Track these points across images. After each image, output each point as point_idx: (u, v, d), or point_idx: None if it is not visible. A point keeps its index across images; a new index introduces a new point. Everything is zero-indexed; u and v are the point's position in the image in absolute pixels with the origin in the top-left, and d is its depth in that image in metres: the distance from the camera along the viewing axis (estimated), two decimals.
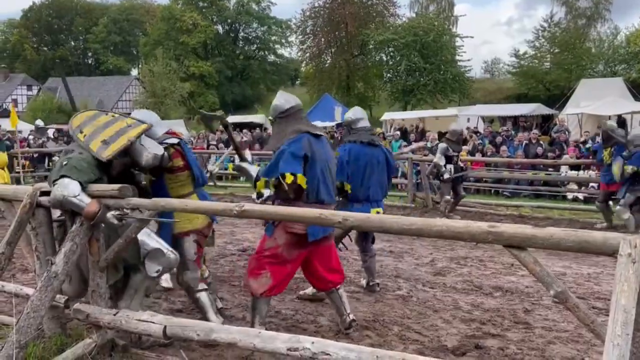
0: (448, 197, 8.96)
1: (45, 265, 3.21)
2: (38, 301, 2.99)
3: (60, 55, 57.72)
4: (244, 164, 3.91)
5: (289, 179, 3.40)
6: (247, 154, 4.09)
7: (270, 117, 3.97)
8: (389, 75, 36.94)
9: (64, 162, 3.16)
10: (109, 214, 3.07)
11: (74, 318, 3.36)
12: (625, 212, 7.41)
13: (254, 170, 3.82)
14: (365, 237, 4.99)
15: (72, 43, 60.73)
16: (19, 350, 2.87)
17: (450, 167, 8.84)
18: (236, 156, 4.12)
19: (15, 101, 47.97)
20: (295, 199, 3.56)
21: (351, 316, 3.96)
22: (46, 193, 3.24)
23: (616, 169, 7.44)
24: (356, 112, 5.08)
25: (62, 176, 3.08)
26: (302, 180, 3.45)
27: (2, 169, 9.23)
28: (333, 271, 3.90)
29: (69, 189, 3.04)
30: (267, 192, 3.71)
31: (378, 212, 4.61)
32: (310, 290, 4.68)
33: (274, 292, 3.70)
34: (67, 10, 57.56)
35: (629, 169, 7.21)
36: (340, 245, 4.85)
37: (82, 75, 53.99)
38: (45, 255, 3.28)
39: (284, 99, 3.87)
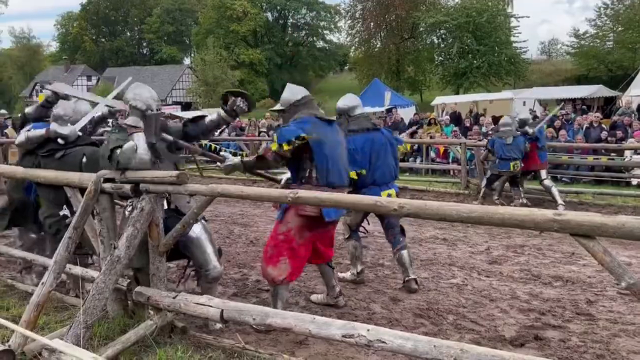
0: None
1: (108, 249, 3.34)
2: (102, 283, 3.11)
3: (117, 46, 59.74)
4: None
5: (276, 146, 3.58)
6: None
7: (281, 107, 3.99)
8: (440, 58, 36.14)
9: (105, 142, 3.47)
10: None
11: (136, 300, 3.48)
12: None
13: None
14: (388, 226, 4.82)
15: (128, 34, 62.70)
16: (85, 330, 3.00)
17: None
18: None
19: None
20: (306, 181, 3.69)
21: (339, 287, 4.24)
22: (110, 180, 3.36)
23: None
24: (351, 100, 4.92)
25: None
26: (286, 149, 3.57)
27: None
28: (329, 248, 4.12)
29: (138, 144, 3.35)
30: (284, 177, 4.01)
31: (389, 195, 4.59)
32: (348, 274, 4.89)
33: (293, 278, 3.78)
34: (123, 1, 59.37)
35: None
36: (362, 229, 4.99)
37: (137, 65, 55.69)
38: (109, 240, 3.41)
39: (293, 90, 3.95)
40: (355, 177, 4.55)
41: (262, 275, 3.95)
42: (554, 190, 8.61)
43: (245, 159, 3.82)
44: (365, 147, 4.60)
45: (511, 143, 8.43)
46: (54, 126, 4.10)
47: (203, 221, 3.79)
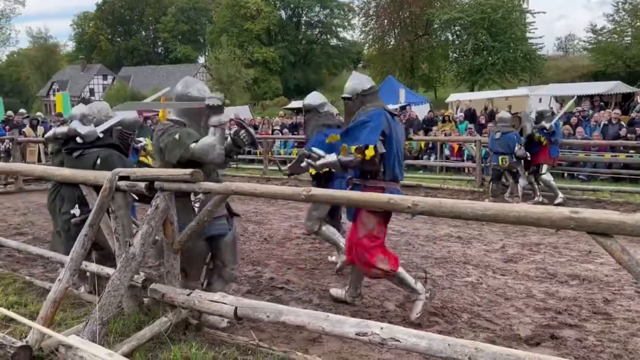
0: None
1: (124, 246, 3.37)
2: (118, 281, 3.14)
3: (132, 45, 60.28)
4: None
5: (371, 151, 3.55)
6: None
7: (347, 95, 3.95)
8: (455, 55, 35.91)
9: (176, 136, 3.45)
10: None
11: (150, 297, 3.51)
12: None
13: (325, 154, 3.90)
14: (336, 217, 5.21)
15: (143, 33, 63.24)
16: (101, 326, 3.03)
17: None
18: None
19: (92, 90, 50.76)
20: (372, 176, 3.77)
21: (361, 289, 4.27)
22: (125, 178, 3.39)
23: None
24: (320, 97, 5.22)
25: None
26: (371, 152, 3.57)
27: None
28: None
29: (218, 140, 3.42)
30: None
31: None
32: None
33: (398, 264, 3.84)
34: (138, 1, 59.88)
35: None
36: None
37: (152, 64, 56.15)
38: (124, 237, 3.44)
39: (361, 79, 3.98)
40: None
41: (371, 277, 3.97)
42: (553, 184, 8.70)
43: (343, 158, 3.73)
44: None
45: (499, 138, 8.59)
46: (74, 124, 4.20)
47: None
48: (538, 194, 8.74)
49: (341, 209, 5.20)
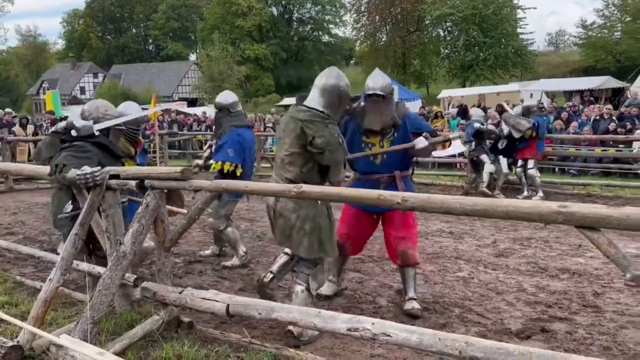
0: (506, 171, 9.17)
1: (114, 245, 3.36)
2: (109, 279, 3.13)
3: (123, 43, 59.86)
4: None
5: None
6: None
7: (381, 93, 4.04)
8: (446, 51, 36.06)
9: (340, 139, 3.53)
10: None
11: (142, 295, 3.50)
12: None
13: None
14: None
15: (134, 30, 62.77)
16: (92, 325, 3.02)
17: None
18: None
19: (83, 88, 50.40)
20: None
21: None
22: (115, 176, 3.37)
23: None
24: (231, 96, 5.38)
25: None
26: None
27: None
28: None
29: None
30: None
31: None
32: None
33: None
34: None
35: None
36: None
37: (143, 62, 55.78)
38: (115, 236, 3.42)
39: (387, 78, 4.37)
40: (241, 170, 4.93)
41: (413, 264, 4.03)
42: (538, 181, 8.79)
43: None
44: (248, 143, 5.07)
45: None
46: (72, 117, 4.22)
47: None
48: (526, 188, 8.80)
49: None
